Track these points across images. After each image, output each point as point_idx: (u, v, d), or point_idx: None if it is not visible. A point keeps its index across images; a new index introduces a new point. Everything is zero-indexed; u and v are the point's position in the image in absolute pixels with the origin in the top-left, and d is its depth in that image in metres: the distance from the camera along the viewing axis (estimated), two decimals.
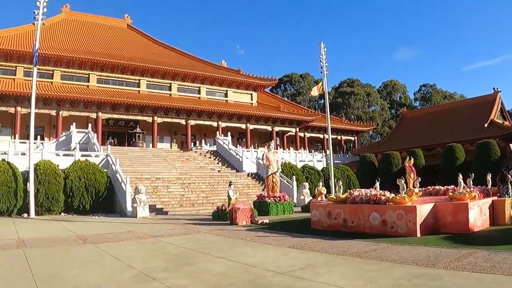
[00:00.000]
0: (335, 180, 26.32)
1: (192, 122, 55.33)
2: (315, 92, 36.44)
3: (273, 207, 24.90)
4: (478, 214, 14.48)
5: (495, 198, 16.90)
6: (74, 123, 42.08)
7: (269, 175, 27.03)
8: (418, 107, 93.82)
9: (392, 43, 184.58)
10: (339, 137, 74.08)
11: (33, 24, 31.28)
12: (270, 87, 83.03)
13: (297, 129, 64.88)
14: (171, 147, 55.85)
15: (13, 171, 27.63)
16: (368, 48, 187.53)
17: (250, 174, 38.72)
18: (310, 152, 58.95)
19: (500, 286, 6.90)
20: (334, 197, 17.20)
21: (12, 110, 45.26)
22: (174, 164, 39.06)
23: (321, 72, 35.69)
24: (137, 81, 56.87)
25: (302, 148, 62.80)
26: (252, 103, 65.75)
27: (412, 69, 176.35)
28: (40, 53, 48.10)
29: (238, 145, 53.47)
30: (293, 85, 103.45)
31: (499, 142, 44.35)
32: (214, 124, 57.04)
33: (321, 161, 49.38)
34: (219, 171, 39.69)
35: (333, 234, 14.62)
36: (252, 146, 57.31)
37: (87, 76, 53.78)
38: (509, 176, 17.93)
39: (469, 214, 13.69)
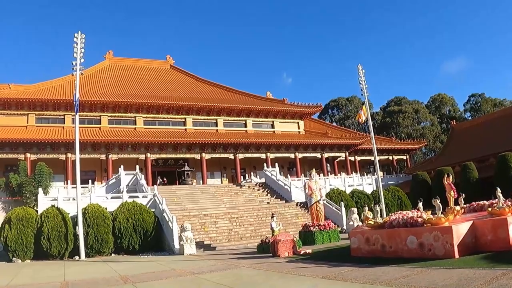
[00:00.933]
0: (373, 204, 25.93)
1: (240, 156, 55.77)
2: (362, 118, 36.04)
3: (318, 236, 24.64)
4: None
5: None
6: (122, 166, 43.23)
7: (313, 204, 26.89)
8: (469, 119, 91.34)
9: (438, 57, 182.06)
10: (390, 157, 73.00)
11: (72, 75, 32.19)
12: (317, 114, 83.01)
13: (347, 153, 64.28)
14: (221, 182, 56.27)
15: (63, 216, 28.65)
16: (413, 63, 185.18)
17: (298, 204, 38.55)
18: (362, 175, 58.27)
19: None
20: (372, 222, 16.90)
21: (63, 157, 46.89)
22: (223, 199, 39.34)
23: (362, 94, 35.61)
24: (183, 120, 57.95)
25: (353, 172, 62.04)
26: (299, 132, 65.73)
27: (459, 81, 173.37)
28: (87, 100, 50.53)
29: (288, 174, 53.61)
30: (340, 109, 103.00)
31: None
32: (263, 156, 57.30)
33: (371, 184, 48.65)
34: (268, 202, 39.69)
35: (371, 261, 14.18)
36: (303, 174, 57.11)
37: (133, 118, 55.32)
38: None
39: (510, 230, 12.77)
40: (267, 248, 21.84)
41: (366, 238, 16.32)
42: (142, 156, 50.62)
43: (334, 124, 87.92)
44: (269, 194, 42.06)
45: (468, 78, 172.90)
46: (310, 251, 20.30)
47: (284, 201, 40.19)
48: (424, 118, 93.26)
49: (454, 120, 76.15)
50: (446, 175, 19.35)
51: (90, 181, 43.60)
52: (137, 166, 43.47)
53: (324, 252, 19.74)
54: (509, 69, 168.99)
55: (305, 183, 28.99)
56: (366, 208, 27.74)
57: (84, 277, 17.84)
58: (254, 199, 40.69)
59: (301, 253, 19.86)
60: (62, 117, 51.69)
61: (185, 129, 57.27)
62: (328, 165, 64.55)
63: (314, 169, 33.34)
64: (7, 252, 27.46)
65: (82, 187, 39.79)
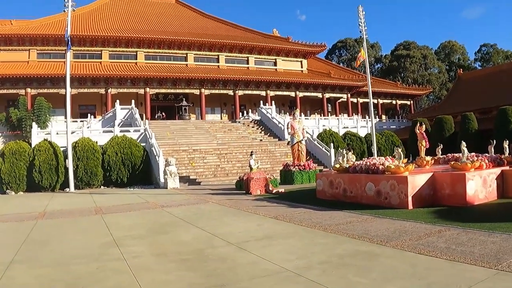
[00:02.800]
0: (346, 148, 25.82)
1: (240, 93, 55.75)
2: (359, 61, 35.63)
3: (297, 176, 24.97)
4: (480, 186, 13.36)
5: (507, 168, 14.98)
6: (118, 100, 43.50)
7: (294, 144, 27.04)
8: (478, 69, 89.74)
9: (460, 2, 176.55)
10: (394, 102, 72.69)
11: (66, 10, 32.08)
12: (324, 54, 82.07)
13: (348, 95, 63.95)
14: (221, 118, 56.51)
15: (54, 150, 29.44)
16: (433, 7, 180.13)
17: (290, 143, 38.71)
18: (363, 118, 58.24)
19: (432, 272, 6.27)
20: (338, 166, 17.11)
21: (63, 91, 46.90)
22: (216, 135, 39.61)
23: (361, 36, 35.15)
24: (185, 55, 57.63)
25: (354, 114, 61.99)
26: (302, 71, 65.24)
27: (474, 29, 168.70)
28: (88, 34, 50.80)
29: (287, 113, 53.54)
30: (347, 50, 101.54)
31: None
32: (263, 93, 57.19)
33: (365, 127, 48.39)
34: (260, 140, 39.92)
35: (330, 204, 14.50)
36: (303, 114, 57.11)
37: (134, 53, 55.15)
38: None
39: (467, 186, 12.71)
40: (244, 185, 22.21)
41: (330, 182, 16.59)
42: (142, 91, 50.81)
43: (341, 65, 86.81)
44: (263, 132, 42.18)
45: (484, 27, 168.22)
46: (283, 190, 20.62)
47: (277, 139, 40.36)
48: (431, 65, 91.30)
49: (461, 69, 75.05)
50: (418, 124, 19.40)
51: (89, 115, 44.07)
52: (133, 101, 43.42)
53: (295, 192, 20.06)
54: None
55: (288, 122, 29.04)
56: (348, 151, 27.58)
57: (64, 207, 18.59)
58: (247, 136, 40.90)
59: (273, 192, 20.21)
60: (63, 52, 51.45)
61: (187, 65, 57.05)
62: (330, 105, 64.37)
63: (298, 108, 33.31)
64: (1, 185, 28.40)
65: (81, 121, 40.65)
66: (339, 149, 32.65)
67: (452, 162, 14.66)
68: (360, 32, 34.61)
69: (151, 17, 66.22)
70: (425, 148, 18.59)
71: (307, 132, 37.84)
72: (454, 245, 7.72)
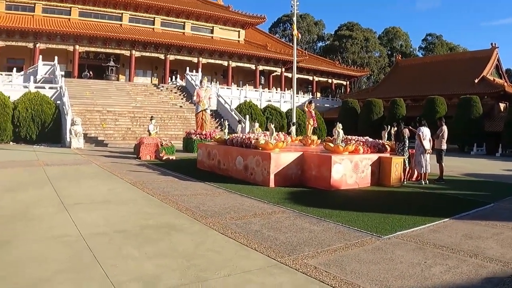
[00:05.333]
0: (251, 122, 26.24)
1: (171, 57, 55.26)
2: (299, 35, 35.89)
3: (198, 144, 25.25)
4: (350, 171, 13.08)
5: (386, 155, 14.70)
6: (40, 56, 42.68)
7: (199, 112, 27.25)
8: (417, 57, 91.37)
9: None
10: (330, 81, 73.51)
11: None
12: (268, 27, 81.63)
13: (283, 69, 64.20)
14: (151, 82, 55.93)
15: None
16: None
17: (211, 111, 38.86)
18: (297, 94, 58.82)
19: (208, 254, 6.17)
20: (217, 137, 17.44)
21: None
22: (136, 98, 39.41)
23: (291, 11, 35.30)
24: (120, 15, 56.32)
25: (286, 89, 62.48)
26: (239, 41, 65.03)
27: (424, 20, 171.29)
28: None
29: (217, 81, 53.63)
30: (291, 25, 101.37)
31: (487, 100, 43.70)
32: (195, 60, 56.83)
33: (289, 101, 48.85)
34: (180, 106, 39.96)
35: (202, 176, 14.73)
36: (236, 84, 57.35)
37: (68, 9, 53.42)
38: (407, 132, 15.30)
39: (333, 169, 12.50)
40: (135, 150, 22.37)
41: (208, 152, 16.95)
42: (71, 48, 49.61)
43: (283, 39, 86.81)
44: (184, 99, 42.12)
45: (435, 20, 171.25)
46: (173, 157, 20.92)
47: None
48: (372, 48, 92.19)
49: (401, 55, 76.42)
50: (308, 102, 19.79)
51: (14, 69, 42.83)
52: (56, 57, 42.34)
53: (184, 161, 20.34)
54: (480, 18, 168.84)
55: (195, 90, 29.17)
56: (257, 124, 28.10)
57: None
58: (168, 101, 40.86)
59: (163, 159, 20.44)
60: None
61: (121, 25, 55.84)
62: (263, 78, 64.83)
63: (205, 77, 33.56)
64: None
65: (6, 74, 39.49)
66: (254, 121, 33.49)
67: (325, 144, 14.73)
68: (292, 6, 34.79)
69: None
70: (312, 127, 19.06)
71: (225, 102, 38.38)
72: (267, 229, 7.67)
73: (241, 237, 7.14)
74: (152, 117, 24.67)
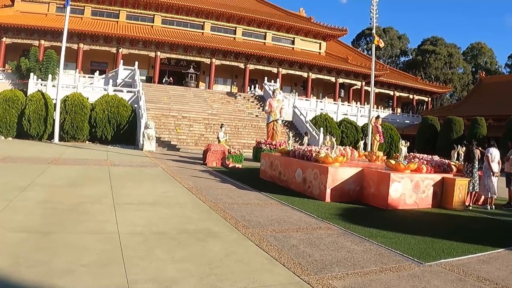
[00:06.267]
0: (329, 135, 25.84)
1: (251, 67, 55.87)
2: (380, 43, 36.01)
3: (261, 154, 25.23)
4: (409, 190, 12.42)
5: (450, 175, 13.67)
6: (121, 61, 44.60)
7: (270, 122, 27.26)
8: (503, 74, 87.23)
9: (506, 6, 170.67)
10: (411, 96, 71.71)
11: None
12: (351, 39, 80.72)
13: (363, 82, 63.40)
14: (231, 90, 56.69)
15: (45, 101, 30.55)
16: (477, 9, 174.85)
17: (284, 121, 38.83)
18: (377, 109, 58.07)
19: (233, 265, 6.03)
20: (281, 148, 17.36)
21: (75, 46, 48.01)
22: (212, 105, 40.04)
23: (370, 24, 35.26)
24: (202, 23, 57.77)
25: (365, 103, 61.53)
26: (319, 53, 64.86)
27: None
28: None
29: (296, 93, 53.73)
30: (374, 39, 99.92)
31: None
32: (274, 70, 57.23)
33: (366, 116, 47.93)
34: (256, 116, 40.16)
35: (261, 186, 14.60)
36: (315, 96, 57.34)
37: (152, 16, 55.41)
38: (478, 152, 14.38)
39: (391, 187, 11.97)
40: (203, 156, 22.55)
41: (270, 163, 16.86)
42: (152, 54, 51.40)
43: (365, 52, 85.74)
44: (261, 108, 42.21)
45: None
46: (240, 166, 20.96)
47: None
48: (456, 64, 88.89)
49: (485, 73, 73.47)
50: (375, 117, 19.34)
51: (97, 72, 44.83)
52: (136, 63, 43.86)
53: (249, 170, 20.13)
54: None
55: (267, 101, 29.22)
56: (328, 137, 27.65)
57: (27, 155, 19.78)
58: (244, 110, 41.24)
59: (229, 166, 20.55)
60: (82, 8, 52.51)
61: (203, 33, 57.26)
62: (343, 91, 64.23)
63: (278, 87, 33.37)
64: None
65: (89, 77, 41.80)
66: (329, 134, 33.15)
67: (386, 160, 14.24)
68: (371, 19, 34.68)
69: None
70: (378, 143, 18.63)
71: (301, 114, 38.28)
72: (304, 245, 7.38)
73: (274, 250, 6.92)
74: (222, 124, 25.02)
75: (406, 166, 12.93)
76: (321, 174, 12.84)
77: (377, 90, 66.24)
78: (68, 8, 30.50)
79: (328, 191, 12.49)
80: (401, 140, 14.02)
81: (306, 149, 15.23)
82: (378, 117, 19.23)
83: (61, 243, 6.43)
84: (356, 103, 57.64)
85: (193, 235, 7.57)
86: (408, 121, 59.93)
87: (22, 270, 5.17)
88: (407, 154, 14.64)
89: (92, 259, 5.78)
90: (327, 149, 14.95)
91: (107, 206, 9.43)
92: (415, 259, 7.03)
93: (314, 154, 14.22)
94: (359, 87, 64.13)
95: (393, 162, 13.28)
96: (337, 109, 46.76)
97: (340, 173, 12.81)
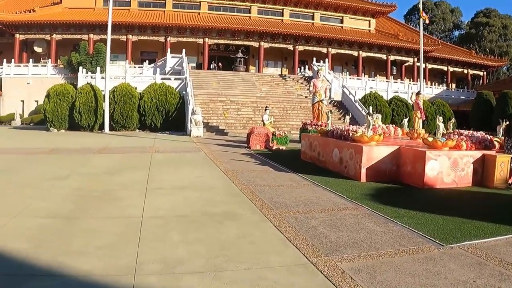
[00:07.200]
0: (370, 113, 25.31)
1: (300, 48, 55.68)
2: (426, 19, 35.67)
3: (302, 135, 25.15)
4: (447, 168, 11.82)
5: (492, 152, 12.85)
6: (169, 49, 45.56)
7: (315, 103, 26.85)
8: None
9: None
10: (465, 71, 69.78)
11: None
12: (403, 14, 78.81)
13: (415, 59, 61.63)
14: (281, 72, 56.42)
15: (95, 93, 31.64)
16: None
17: (333, 102, 38.63)
18: (431, 85, 56.91)
19: (251, 247, 6.23)
20: (323, 128, 17.26)
21: (124, 38, 49.23)
22: (261, 88, 40.23)
23: None
24: (248, 7, 58.01)
25: (417, 79, 60.29)
26: (369, 30, 63.90)
27: None
28: None
29: (347, 72, 53.25)
30: (426, 13, 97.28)
31: None
32: (324, 50, 56.84)
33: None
34: (306, 97, 39.94)
35: (300, 167, 14.54)
36: (367, 74, 56.67)
37: (198, 3, 56.13)
38: None
39: (427, 165, 11.49)
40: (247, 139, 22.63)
41: (310, 143, 16.76)
42: (201, 41, 52.18)
43: (416, 28, 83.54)
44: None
45: None
46: (284, 148, 21.02)
47: None
48: (511, 36, 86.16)
49: None
50: (415, 93, 18.88)
51: (146, 62, 45.88)
52: (184, 50, 44.35)
53: (291, 151, 20.04)
54: None
55: (311, 81, 28.94)
56: (375, 116, 27.19)
57: (75, 146, 20.60)
58: (293, 91, 41.18)
59: (273, 148, 20.58)
60: (129, 0, 53.66)
61: (250, 17, 57.45)
62: (395, 68, 63.10)
63: (322, 67, 33.09)
64: (46, 123, 31.44)
65: (139, 67, 42.90)
66: (373, 113, 32.66)
67: (423, 138, 13.76)
68: None
69: None
70: (420, 120, 18.22)
71: (350, 93, 37.92)
72: (324, 226, 7.24)
73: (291, 231, 6.86)
74: (266, 107, 25.15)
75: (443, 143, 12.36)
76: (356, 153, 12.62)
77: (429, 66, 64.85)
78: (111, 1, 31.05)
79: (363, 171, 12.24)
80: (438, 116, 13.55)
81: (343, 129, 15.08)
82: (418, 93, 18.80)
83: (82, 227, 6.73)
84: (410, 80, 56.50)
85: (213, 217, 7.65)
86: (463, 97, 58.49)
87: (39, 251, 5.51)
88: (447, 131, 14.24)
89: (108, 241, 6.03)
90: (372, 127, 14.68)
91: (137, 191, 9.68)
92: (437, 241, 6.63)
93: (351, 134, 14.01)
94: (411, 63, 62.76)
95: (430, 139, 12.87)
96: (387, 87, 45.98)
97: (375, 152, 12.52)
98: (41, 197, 8.95)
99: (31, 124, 40.38)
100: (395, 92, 45.41)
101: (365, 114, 33.73)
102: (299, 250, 6.00)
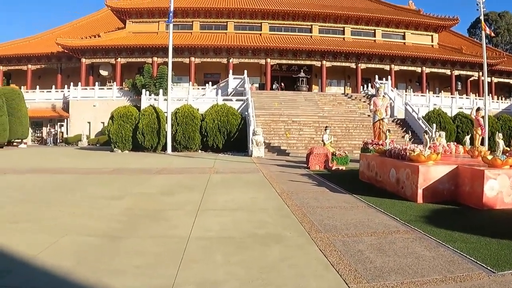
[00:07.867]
0: (434, 131, 24.62)
1: (362, 66, 55.40)
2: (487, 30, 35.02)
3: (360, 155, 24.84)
4: (508, 187, 10.99)
5: None
6: (231, 70, 46.45)
7: (376, 122, 26.40)
8: None
9: None
10: None
11: None
12: (466, 28, 77.11)
13: (480, 73, 60.01)
14: (344, 91, 56.54)
15: (157, 114, 32.77)
16: None
17: (396, 120, 38.12)
18: (498, 99, 55.20)
19: (286, 270, 6.07)
20: (381, 148, 17.01)
21: (186, 60, 50.57)
22: (323, 108, 40.17)
23: (477, 10, 34.13)
24: (309, 27, 58.41)
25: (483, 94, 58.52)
26: (432, 45, 62.77)
27: None
28: (213, 7, 54.48)
29: (411, 89, 52.50)
30: (490, 25, 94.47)
31: None
32: (386, 67, 56.31)
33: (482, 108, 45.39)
34: (368, 115, 39.54)
35: (357, 187, 14.28)
36: (431, 90, 55.67)
37: (259, 25, 57.18)
38: None
39: (486, 185, 10.76)
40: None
41: (367, 163, 16.49)
42: (263, 61, 52.92)
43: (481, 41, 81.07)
44: None
45: None
46: (343, 168, 20.81)
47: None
48: None
49: None
50: (475, 110, 18.22)
51: (209, 83, 47.00)
52: (245, 71, 45.19)
53: (350, 172, 19.75)
54: None
55: (372, 99, 28.55)
56: (438, 133, 26.55)
57: (136, 166, 21.49)
58: (356, 110, 40.88)
59: (333, 169, 20.41)
60: (191, 23, 55.47)
61: (311, 36, 57.80)
62: (460, 83, 61.49)
63: (382, 85, 32.54)
64: (110, 144, 32.90)
65: (202, 88, 44.08)
66: (437, 130, 31.89)
67: (482, 156, 12.86)
68: (477, 4, 33.56)
69: None
70: (480, 137, 17.57)
71: (413, 111, 37.28)
72: (370, 250, 7.00)
73: (336, 255, 6.71)
74: (326, 127, 25.05)
75: (504, 161, 11.75)
76: (412, 173, 12.22)
77: (495, 80, 62.91)
78: (171, 25, 32.21)
79: (420, 191, 11.80)
80: (498, 133, 13.04)
81: (401, 148, 14.82)
82: (478, 109, 18.07)
83: (125, 247, 6.92)
84: (475, 95, 54.96)
85: (260, 239, 7.64)
86: None
87: (79, 269, 5.71)
88: (507, 149, 13.66)
89: (149, 261, 6.14)
90: (430, 146, 14.37)
91: (188, 212, 9.82)
92: (488, 268, 6.23)
93: (408, 153, 13.73)
94: (476, 78, 61.06)
95: (489, 157, 12.43)
96: (451, 103, 44.85)
97: (432, 172, 12.06)
98: (93, 216, 9.30)
99: (97, 145, 42.07)
100: (460, 108, 44.15)
101: (429, 132, 33.08)
102: (340, 276, 5.86)
